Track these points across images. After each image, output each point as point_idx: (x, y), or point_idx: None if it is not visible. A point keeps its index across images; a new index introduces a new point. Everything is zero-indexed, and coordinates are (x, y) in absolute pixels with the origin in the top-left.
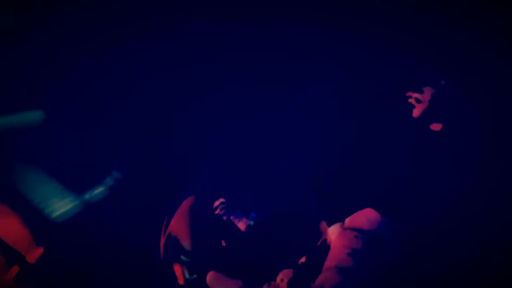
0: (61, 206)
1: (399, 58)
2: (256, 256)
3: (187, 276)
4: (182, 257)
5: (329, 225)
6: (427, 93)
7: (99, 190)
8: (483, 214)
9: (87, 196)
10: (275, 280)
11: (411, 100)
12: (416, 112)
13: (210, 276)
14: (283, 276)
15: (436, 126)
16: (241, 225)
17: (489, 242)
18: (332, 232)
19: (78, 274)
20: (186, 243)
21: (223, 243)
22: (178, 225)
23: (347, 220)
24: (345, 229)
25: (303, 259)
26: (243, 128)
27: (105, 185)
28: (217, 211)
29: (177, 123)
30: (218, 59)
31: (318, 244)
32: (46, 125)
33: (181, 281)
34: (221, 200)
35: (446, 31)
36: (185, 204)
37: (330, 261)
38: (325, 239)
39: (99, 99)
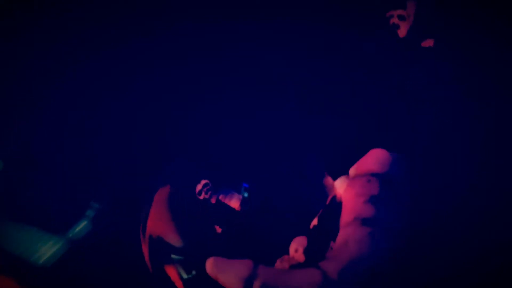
0: (46, 250)
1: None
2: (260, 233)
3: (184, 276)
4: (173, 256)
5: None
6: (411, 7)
7: (82, 225)
8: (483, 214)
9: (70, 234)
10: (287, 252)
11: (394, 20)
12: (402, 32)
13: (211, 264)
14: (297, 246)
15: (428, 42)
16: (234, 202)
17: (489, 242)
18: (339, 186)
19: None
20: (173, 240)
21: (218, 230)
22: (158, 223)
23: (352, 169)
24: (354, 178)
25: (315, 221)
26: (243, 128)
27: (87, 218)
28: (202, 195)
29: (176, 126)
30: (218, 59)
31: (327, 203)
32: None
33: (179, 284)
34: (204, 181)
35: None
36: (159, 198)
37: (347, 215)
38: (334, 196)
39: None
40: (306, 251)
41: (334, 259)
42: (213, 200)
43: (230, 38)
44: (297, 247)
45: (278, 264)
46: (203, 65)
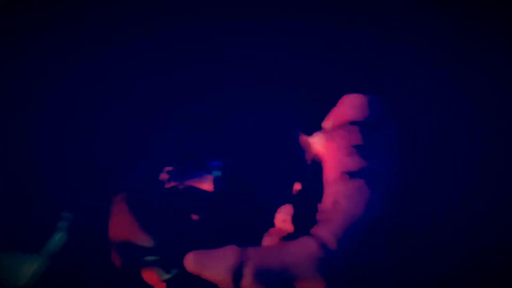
0: (26, 271)
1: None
2: (241, 212)
3: (165, 276)
4: (147, 258)
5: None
6: None
7: (57, 238)
8: (483, 214)
9: (46, 250)
10: (273, 225)
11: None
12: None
13: (191, 260)
14: (283, 215)
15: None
16: (207, 184)
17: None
18: (317, 142)
19: None
20: (143, 240)
21: (195, 217)
22: (121, 227)
23: (327, 122)
24: (331, 130)
25: (297, 186)
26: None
27: (61, 230)
28: (170, 184)
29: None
30: (217, 59)
31: (308, 163)
32: None
33: (159, 286)
34: (168, 168)
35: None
36: (117, 201)
37: (332, 172)
38: (313, 154)
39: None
40: (294, 219)
41: (327, 222)
42: (181, 186)
43: (230, 38)
44: (284, 217)
45: (267, 240)
46: (202, 65)
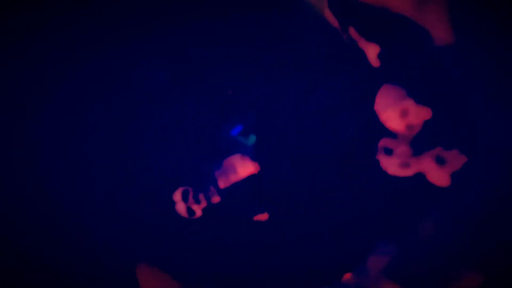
0: None
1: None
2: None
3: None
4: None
5: None
6: None
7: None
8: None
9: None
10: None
11: None
12: None
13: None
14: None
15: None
16: (246, 167)
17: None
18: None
19: None
20: None
21: (264, 217)
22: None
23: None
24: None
25: None
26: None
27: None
28: (198, 203)
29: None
30: (218, 59)
31: None
32: None
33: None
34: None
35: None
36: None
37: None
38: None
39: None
40: None
41: None
42: (215, 199)
43: (231, 38)
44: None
45: None
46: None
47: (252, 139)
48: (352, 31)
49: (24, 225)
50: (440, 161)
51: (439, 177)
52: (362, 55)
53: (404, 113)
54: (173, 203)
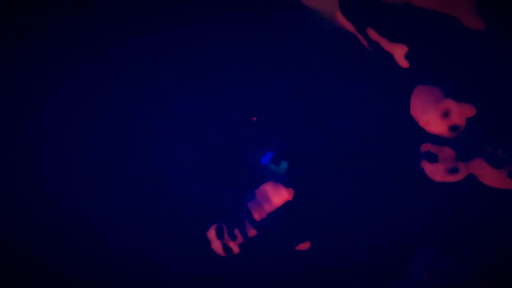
0: None
1: None
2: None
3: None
4: None
5: None
6: None
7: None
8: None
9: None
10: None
11: None
12: None
13: None
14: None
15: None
16: (280, 195)
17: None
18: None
19: None
20: None
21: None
22: None
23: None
24: None
25: None
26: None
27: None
28: (234, 239)
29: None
30: (217, 60)
31: None
32: None
33: None
34: (215, 225)
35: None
36: None
37: None
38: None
39: None
40: None
41: None
42: (252, 232)
43: (230, 38)
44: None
45: None
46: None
47: (284, 165)
48: (372, 33)
49: (24, 225)
50: (493, 161)
51: (495, 178)
52: (388, 57)
53: (445, 114)
54: (208, 242)
